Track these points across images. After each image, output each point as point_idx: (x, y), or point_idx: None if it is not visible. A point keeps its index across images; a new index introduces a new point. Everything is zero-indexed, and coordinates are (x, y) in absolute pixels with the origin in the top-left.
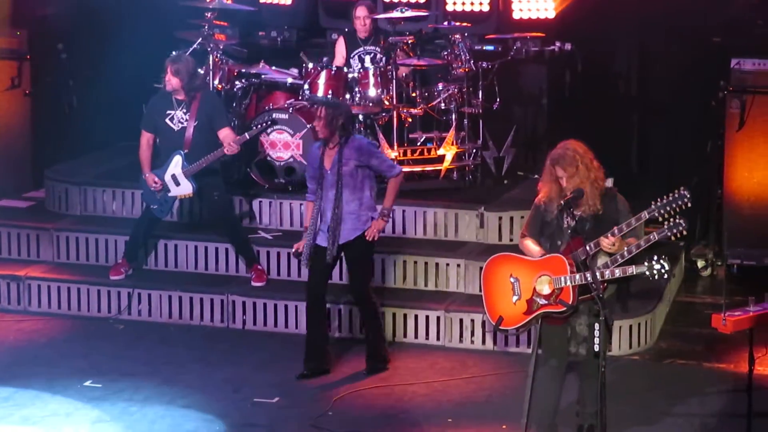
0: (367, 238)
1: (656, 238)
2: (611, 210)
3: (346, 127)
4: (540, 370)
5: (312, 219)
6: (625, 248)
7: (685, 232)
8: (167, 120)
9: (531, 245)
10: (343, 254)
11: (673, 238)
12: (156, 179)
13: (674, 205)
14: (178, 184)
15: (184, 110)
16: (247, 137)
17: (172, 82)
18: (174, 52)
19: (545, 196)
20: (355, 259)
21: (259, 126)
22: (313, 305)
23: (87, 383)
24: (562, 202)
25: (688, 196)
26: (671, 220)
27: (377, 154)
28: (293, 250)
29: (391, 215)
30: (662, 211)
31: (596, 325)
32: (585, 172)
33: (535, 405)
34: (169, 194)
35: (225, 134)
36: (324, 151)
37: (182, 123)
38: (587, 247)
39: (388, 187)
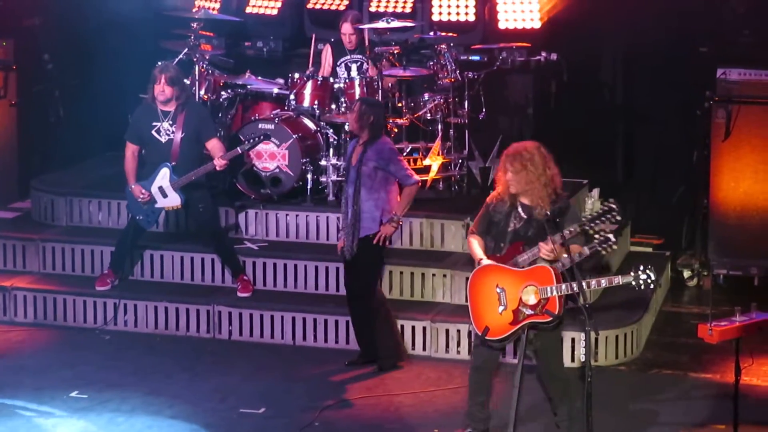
0: (373, 240)
1: (588, 252)
2: (558, 220)
3: (375, 127)
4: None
5: (342, 214)
6: (565, 256)
7: (614, 247)
8: (153, 132)
9: (475, 246)
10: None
11: (603, 252)
12: (143, 190)
13: (603, 218)
14: (165, 195)
15: (170, 122)
16: (239, 152)
17: (166, 91)
18: (160, 63)
19: (497, 195)
20: (359, 259)
21: (252, 141)
22: (348, 301)
23: (73, 394)
24: (547, 212)
25: (616, 209)
26: (601, 234)
27: (396, 161)
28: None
29: (400, 223)
30: (592, 224)
31: (583, 336)
32: (533, 173)
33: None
34: (156, 206)
35: (213, 145)
36: (355, 147)
37: (169, 135)
38: (525, 253)
39: (402, 195)
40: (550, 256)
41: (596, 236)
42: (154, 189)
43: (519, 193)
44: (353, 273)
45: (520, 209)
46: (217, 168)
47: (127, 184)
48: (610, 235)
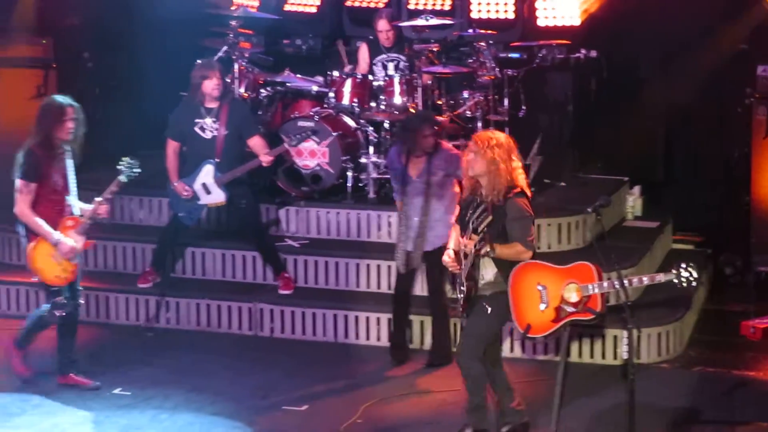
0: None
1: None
2: (503, 212)
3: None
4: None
5: (399, 224)
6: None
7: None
8: (197, 129)
9: (452, 238)
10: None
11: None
12: (186, 187)
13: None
14: (209, 192)
15: (214, 118)
16: (286, 147)
17: (220, 86)
18: (201, 60)
19: (465, 185)
20: (433, 263)
21: (298, 137)
22: (398, 305)
23: (116, 391)
24: (589, 210)
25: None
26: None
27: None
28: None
29: None
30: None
31: (625, 333)
32: (490, 158)
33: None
34: (200, 202)
35: (255, 142)
36: (408, 158)
37: (213, 131)
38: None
39: None
40: (465, 249)
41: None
42: (198, 186)
43: (477, 176)
44: (413, 278)
45: (478, 198)
46: (264, 164)
47: (170, 182)
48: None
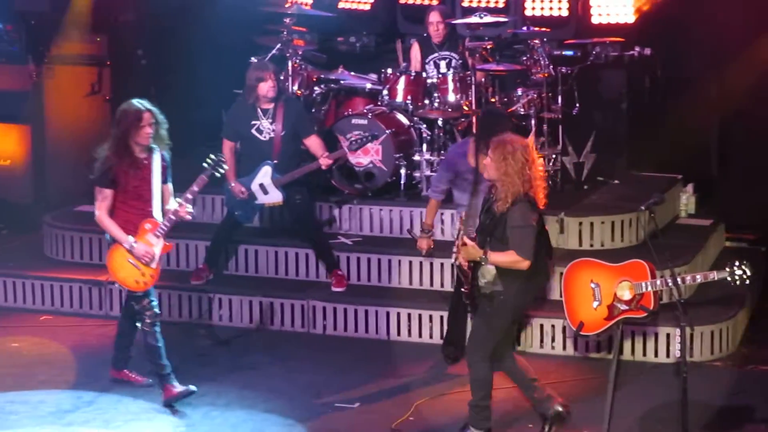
0: None
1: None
2: (505, 219)
3: None
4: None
5: (465, 222)
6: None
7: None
8: (253, 130)
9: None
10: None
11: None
12: (243, 189)
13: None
14: (266, 192)
15: (270, 119)
16: (346, 152)
17: (275, 87)
18: (254, 59)
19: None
20: None
21: (359, 141)
22: (456, 302)
23: None
24: (642, 207)
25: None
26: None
27: None
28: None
29: None
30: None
31: (678, 331)
32: (503, 170)
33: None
34: (257, 202)
35: (312, 142)
36: (479, 157)
37: (269, 133)
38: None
39: None
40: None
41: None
42: (255, 186)
43: (492, 180)
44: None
45: (492, 200)
46: (323, 167)
47: (227, 181)
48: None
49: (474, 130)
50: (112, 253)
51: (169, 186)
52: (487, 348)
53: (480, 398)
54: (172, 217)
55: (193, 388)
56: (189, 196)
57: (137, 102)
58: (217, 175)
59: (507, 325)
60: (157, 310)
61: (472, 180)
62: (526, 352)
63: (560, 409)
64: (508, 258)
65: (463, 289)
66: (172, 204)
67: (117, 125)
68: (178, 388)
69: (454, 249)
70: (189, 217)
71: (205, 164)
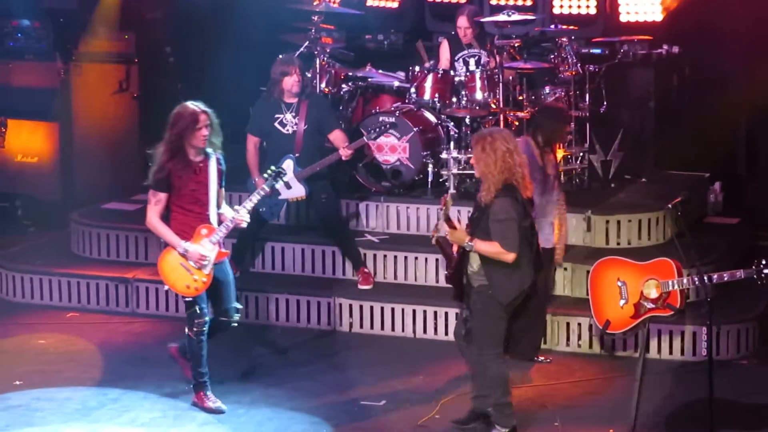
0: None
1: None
2: (488, 211)
3: None
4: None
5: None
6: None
7: None
8: (276, 124)
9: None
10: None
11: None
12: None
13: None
14: (289, 187)
15: (294, 113)
16: (365, 141)
17: (300, 81)
18: (282, 56)
19: None
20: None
21: (377, 130)
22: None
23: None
24: (669, 206)
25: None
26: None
27: None
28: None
29: None
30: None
31: (704, 330)
32: (483, 163)
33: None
34: (280, 197)
35: (336, 136)
36: (544, 154)
37: (293, 126)
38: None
39: None
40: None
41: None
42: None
43: (480, 176)
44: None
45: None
46: (343, 158)
47: (250, 177)
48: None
49: (531, 128)
50: (164, 256)
51: (223, 191)
52: (496, 343)
53: (501, 395)
54: (230, 224)
55: (223, 407)
56: (247, 205)
57: (192, 104)
58: (277, 186)
59: (503, 316)
60: (206, 318)
61: (540, 179)
62: (552, 350)
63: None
64: (493, 248)
65: (445, 272)
66: (226, 209)
67: (171, 127)
68: (210, 402)
69: (434, 228)
70: (244, 225)
71: (265, 175)
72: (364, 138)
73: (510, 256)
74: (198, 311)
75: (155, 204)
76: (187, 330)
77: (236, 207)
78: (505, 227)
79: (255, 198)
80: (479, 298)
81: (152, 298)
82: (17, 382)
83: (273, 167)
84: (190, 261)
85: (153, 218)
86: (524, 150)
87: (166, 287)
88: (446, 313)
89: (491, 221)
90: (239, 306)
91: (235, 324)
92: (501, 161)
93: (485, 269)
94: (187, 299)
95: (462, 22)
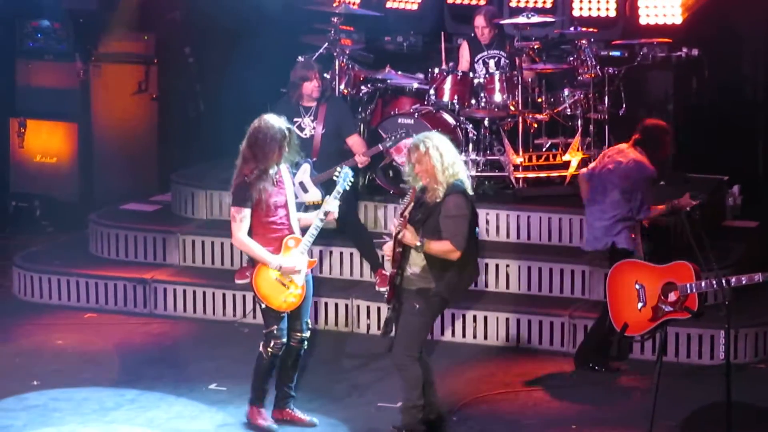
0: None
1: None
2: (438, 209)
3: None
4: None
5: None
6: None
7: None
8: (295, 128)
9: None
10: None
11: None
12: None
13: None
14: (306, 190)
15: (312, 117)
16: (381, 149)
17: (319, 86)
18: (301, 57)
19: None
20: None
21: (394, 137)
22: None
23: (212, 386)
24: (688, 208)
25: None
26: None
27: None
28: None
29: None
30: None
31: (722, 333)
32: (430, 159)
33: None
34: (297, 200)
35: (354, 141)
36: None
37: (311, 130)
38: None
39: None
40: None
41: None
42: (296, 184)
43: (426, 179)
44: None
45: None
46: (359, 165)
47: None
48: None
49: (636, 143)
50: (258, 273)
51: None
52: (418, 347)
53: (417, 397)
54: (314, 231)
55: (275, 428)
56: (322, 216)
57: (275, 121)
58: (347, 187)
59: (433, 321)
60: (284, 339)
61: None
62: (570, 353)
63: (433, 417)
64: (442, 247)
65: (389, 273)
66: (301, 215)
67: (255, 145)
68: (263, 420)
69: (386, 246)
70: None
71: (335, 177)
72: (380, 146)
73: (456, 254)
74: (277, 331)
75: (241, 221)
76: (261, 348)
77: (320, 215)
78: (456, 224)
79: (336, 195)
80: (419, 299)
81: (170, 298)
82: (35, 383)
83: (338, 168)
84: (285, 275)
85: (242, 236)
86: (641, 170)
87: (263, 305)
88: (464, 315)
89: (443, 217)
90: (309, 321)
91: (306, 341)
92: (441, 163)
93: (433, 271)
94: (272, 315)
95: (479, 21)
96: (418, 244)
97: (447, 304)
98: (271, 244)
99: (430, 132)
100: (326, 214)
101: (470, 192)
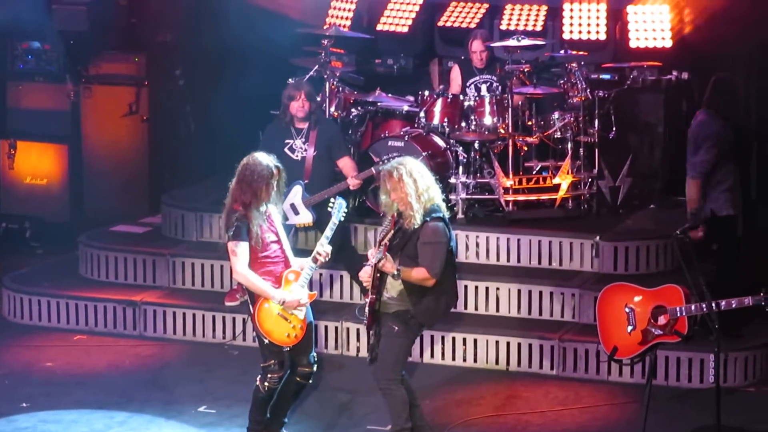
0: None
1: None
2: (417, 235)
3: None
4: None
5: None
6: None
7: None
8: (286, 149)
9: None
10: None
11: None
12: None
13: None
14: (297, 213)
15: (303, 139)
16: (373, 172)
17: (305, 107)
18: (291, 79)
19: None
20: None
21: (385, 161)
22: None
23: (201, 408)
24: (678, 232)
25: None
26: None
27: None
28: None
29: None
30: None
31: (712, 356)
32: (405, 186)
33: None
34: (287, 223)
35: (345, 163)
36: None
37: (302, 152)
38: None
39: None
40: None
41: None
42: (286, 206)
43: (401, 206)
44: None
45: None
46: (351, 187)
47: None
48: None
49: (708, 102)
50: (260, 308)
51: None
52: (401, 369)
53: (404, 421)
54: (313, 264)
55: None
56: (322, 243)
57: (264, 158)
58: (342, 218)
59: (413, 343)
60: (283, 372)
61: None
62: (559, 376)
63: None
64: (419, 275)
65: (367, 300)
66: (294, 257)
67: (243, 181)
68: None
69: (363, 272)
70: (326, 258)
71: (329, 208)
72: (372, 169)
73: (432, 281)
74: (276, 365)
75: (241, 255)
76: (258, 381)
77: (318, 249)
78: (434, 251)
79: (329, 232)
80: (397, 322)
81: (159, 321)
82: (24, 404)
83: (332, 200)
84: (288, 309)
85: (244, 269)
86: (710, 125)
87: (267, 340)
88: (453, 338)
89: (420, 244)
90: (315, 355)
91: (312, 376)
92: (416, 189)
93: (412, 296)
94: (272, 350)
95: (477, 46)
96: (395, 273)
97: (423, 327)
98: (268, 278)
99: (403, 158)
100: (316, 256)
101: (446, 215)
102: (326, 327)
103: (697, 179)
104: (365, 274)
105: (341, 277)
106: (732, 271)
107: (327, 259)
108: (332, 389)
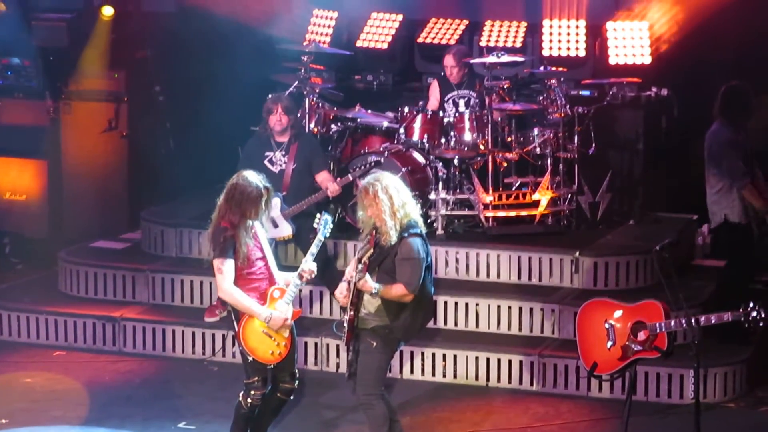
0: None
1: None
2: (395, 251)
3: None
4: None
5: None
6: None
7: (761, 324)
8: (266, 162)
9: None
10: None
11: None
12: None
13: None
14: (276, 225)
15: (283, 152)
16: (351, 179)
17: (283, 120)
18: (271, 95)
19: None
20: None
21: (363, 167)
22: None
23: (181, 425)
24: (657, 248)
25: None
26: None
27: None
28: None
29: None
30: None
31: (691, 372)
32: (374, 213)
33: None
34: (267, 236)
35: (323, 178)
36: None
37: (281, 165)
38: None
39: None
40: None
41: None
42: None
43: (378, 222)
44: None
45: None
46: (330, 195)
47: None
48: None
49: (720, 111)
50: (246, 325)
51: None
52: (380, 384)
53: None
54: (299, 281)
55: None
56: (309, 259)
57: (253, 178)
58: (324, 238)
59: (391, 358)
60: (266, 389)
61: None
62: (540, 392)
63: None
64: (397, 291)
65: (346, 317)
66: (279, 273)
67: (232, 200)
68: None
69: (338, 292)
70: (311, 275)
71: (315, 225)
72: (349, 176)
73: (409, 297)
74: (259, 382)
75: (227, 273)
76: (241, 398)
77: (304, 266)
78: (412, 267)
79: (314, 249)
80: (375, 337)
81: (139, 337)
82: (3, 421)
83: (318, 214)
84: (273, 327)
85: (230, 287)
86: (723, 133)
87: (251, 358)
88: (433, 354)
89: (398, 260)
90: (297, 372)
91: (294, 391)
92: (391, 206)
93: (389, 312)
94: (257, 367)
95: (448, 61)
96: (374, 291)
97: (401, 343)
98: (252, 295)
99: (380, 173)
100: (302, 273)
101: (424, 230)
102: (306, 343)
103: (746, 181)
104: (340, 292)
105: (320, 292)
106: (740, 277)
107: (312, 276)
108: (313, 405)
